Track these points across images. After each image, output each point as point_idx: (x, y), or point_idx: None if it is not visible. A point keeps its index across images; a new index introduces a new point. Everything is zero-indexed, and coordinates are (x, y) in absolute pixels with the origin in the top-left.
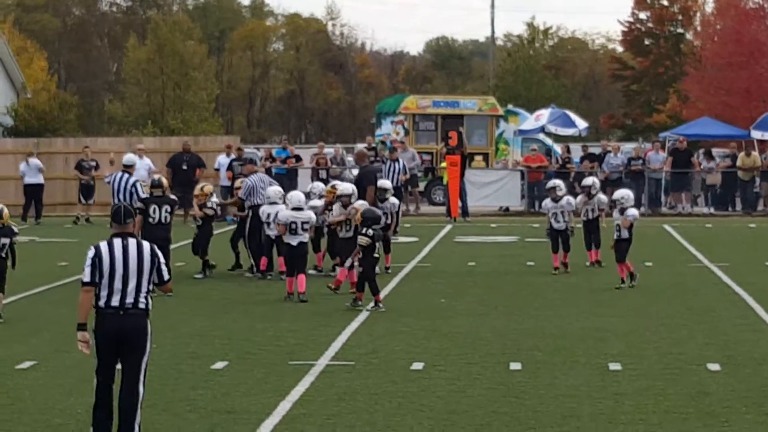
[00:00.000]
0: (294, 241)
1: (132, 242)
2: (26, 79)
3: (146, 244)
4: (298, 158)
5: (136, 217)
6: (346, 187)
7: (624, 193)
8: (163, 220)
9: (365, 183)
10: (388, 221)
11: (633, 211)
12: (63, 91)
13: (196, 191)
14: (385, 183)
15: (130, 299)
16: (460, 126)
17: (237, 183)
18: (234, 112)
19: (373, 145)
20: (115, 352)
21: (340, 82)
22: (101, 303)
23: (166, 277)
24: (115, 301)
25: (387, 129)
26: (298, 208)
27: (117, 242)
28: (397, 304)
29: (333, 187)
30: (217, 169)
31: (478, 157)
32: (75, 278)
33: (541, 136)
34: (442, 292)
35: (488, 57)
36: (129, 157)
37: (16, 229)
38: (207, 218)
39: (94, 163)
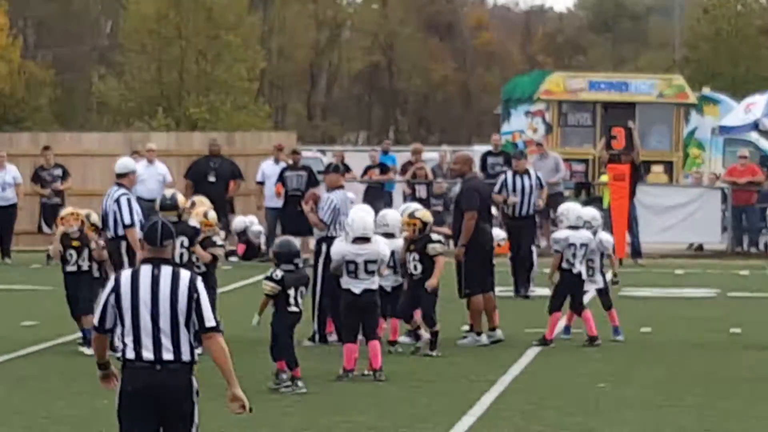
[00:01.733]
0: (357, 289)
1: (166, 271)
2: None
3: (185, 274)
4: (383, 167)
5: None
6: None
7: None
8: (177, 258)
9: (463, 206)
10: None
11: None
12: (31, 61)
13: (197, 217)
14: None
15: (168, 350)
16: (630, 120)
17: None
18: (288, 96)
19: (501, 148)
20: (148, 419)
21: (448, 53)
22: (129, 354)
23: (209, 322)
24: (148, 353)
25: (519, 123)
26: (363, 239)
27: (145, 271)
28: (535, 389)
29: (412, 215)
30: (262, 182)
31: (657, 168)
32: (47, 345)
33: (754, 135)
34: (601, 372)
35: (673, 16)
36: (123, 163)
37: None
38: (212, 262)
39: (59, 172)
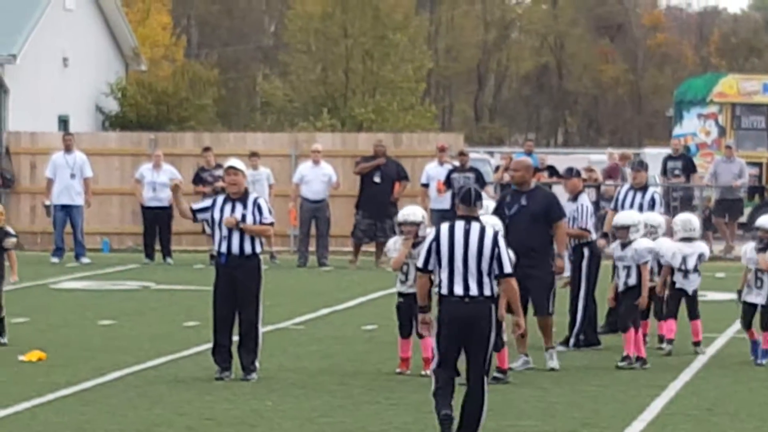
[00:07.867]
0: None
1: (475, 226)
2: (140, 43)
3: (490, 230)
4: (552, 170)
5: None
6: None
7: None
8: None
9: (559, 215)
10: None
11: None
12: (194, 61)
13: None
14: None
15: (474, 287)
16: None
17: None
18: (455, 96)
19: (680, 151)
20: (457, 342)
21: (619, 54)
22: (443, 290)
23: (507, 269)
24: (459, 289)
25: (691, 126)
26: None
27: (459, 225)
28: (706, 395)
29: None
30: (426, 185)
31: None
32: (209, 346)
33: None
34: None
35: None
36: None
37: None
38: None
39: (220, 172)
